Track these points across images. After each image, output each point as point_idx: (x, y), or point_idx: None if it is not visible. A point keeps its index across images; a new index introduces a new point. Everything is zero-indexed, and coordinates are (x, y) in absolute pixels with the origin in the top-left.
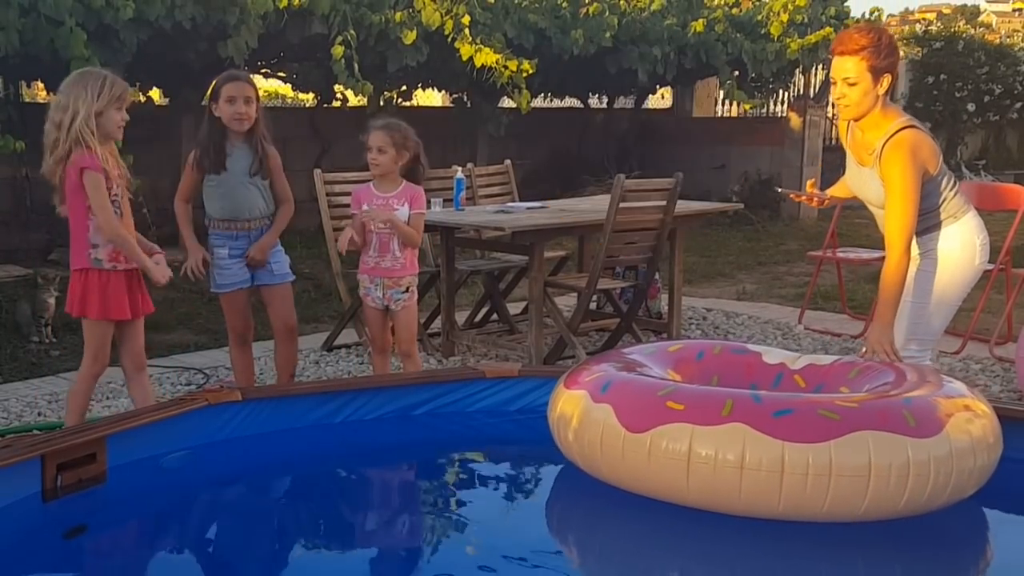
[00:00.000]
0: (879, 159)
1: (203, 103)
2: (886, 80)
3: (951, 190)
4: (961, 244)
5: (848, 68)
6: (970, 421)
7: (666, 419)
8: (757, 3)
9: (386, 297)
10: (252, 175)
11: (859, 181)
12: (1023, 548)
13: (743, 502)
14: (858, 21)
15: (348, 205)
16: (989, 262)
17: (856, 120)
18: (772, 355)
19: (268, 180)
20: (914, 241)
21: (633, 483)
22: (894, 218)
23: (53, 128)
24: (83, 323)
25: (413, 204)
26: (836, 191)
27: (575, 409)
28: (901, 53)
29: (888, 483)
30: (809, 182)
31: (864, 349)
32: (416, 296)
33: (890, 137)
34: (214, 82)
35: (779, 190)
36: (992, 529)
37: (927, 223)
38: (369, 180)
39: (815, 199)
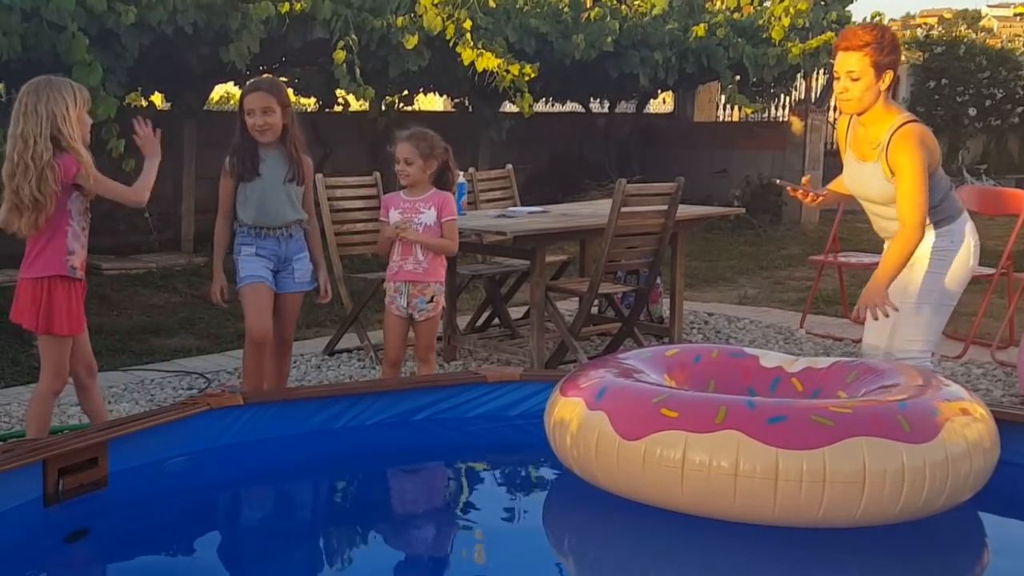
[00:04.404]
0: (885, 151)
1: (204, 107)
2: (888, 76)
3: (947, 191)
4: (958, 245)
5: (852, 63)
6: (967, 425)
7: (660, 426)
8: (759, 8)
9: (411, 306)
10: (287, 182)
11: (859, 179)
12: (1019, 552)
13: (737, 509)
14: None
15: (349, 209)
16: (990, 266)
17: (859, 114)
18: (770, 358)
19: (303, 187)
20: None
21: (628, 490)
22: (908, 199)
23: (46, 142)
24: (42, 338)
25: (443, 211)
26: (830, 189)
27: (571, 416)
28: (903, 57)
29: (883, 489)
30: (805, 178)
31: (857, 306)
32: (441, 306)
33: (898, 128)
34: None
35: (778, 182)
36: (989, 533)
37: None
38: (371, 185)
39: (810, 194)
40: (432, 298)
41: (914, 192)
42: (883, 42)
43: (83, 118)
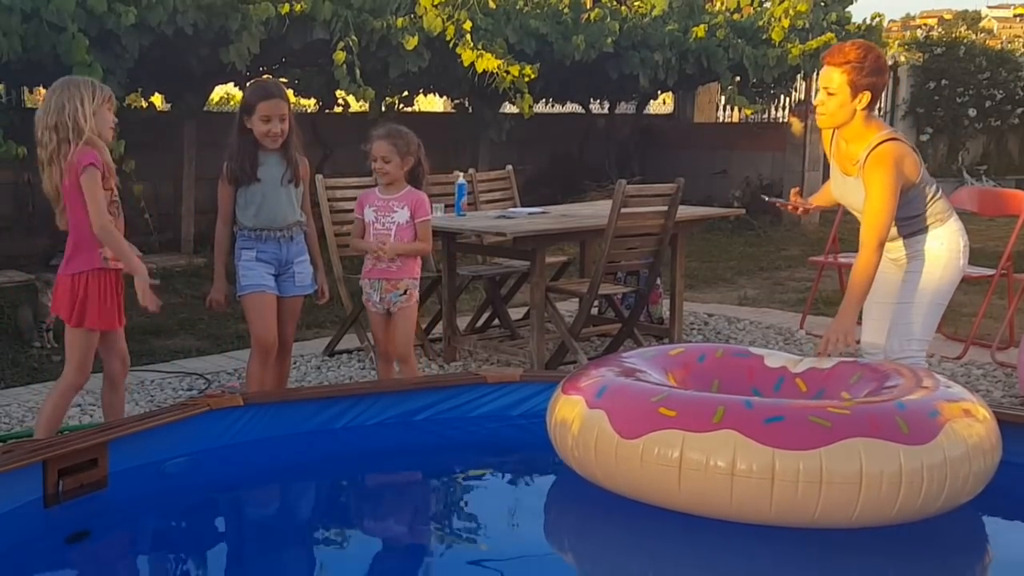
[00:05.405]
0: (862, 168)
1: (204, 108)
2: (865, 97)
3: (935, 196)
4: (948, 246)
5: (830, 78)
6: (967, 427)
7: (658, 425)
8: (758, 9)
9: (385, 301)
10: (285, 184)
11: (844, 190)
12: (1020, 553)
13: (734, 508)
14: (859, 27)
15: (349, 210)
16: (990, 267)
17: (831, 129)
18: (774, 359)
19: (301, 188)
20: (901, 244)
21: (627, 489)
22: (869, 221)
23: (50, 134)
24: (70, 331)
25: (417, 212)
26: (819, 199)
27: (571, 414)
28: (902, 59)
29: (880, 491)
30: (793, 190)
31: (823, 342)
32: (415, 299)
33: (874, 148)
34: (244, 93)
35: (766, 199)
36: (991, 533)
37: (914, 227)
38: (372, 186)
39: (800, 208)
40: (405, 291)
41: (878, 215)
42: (864, 63)
43: (103, 114)
